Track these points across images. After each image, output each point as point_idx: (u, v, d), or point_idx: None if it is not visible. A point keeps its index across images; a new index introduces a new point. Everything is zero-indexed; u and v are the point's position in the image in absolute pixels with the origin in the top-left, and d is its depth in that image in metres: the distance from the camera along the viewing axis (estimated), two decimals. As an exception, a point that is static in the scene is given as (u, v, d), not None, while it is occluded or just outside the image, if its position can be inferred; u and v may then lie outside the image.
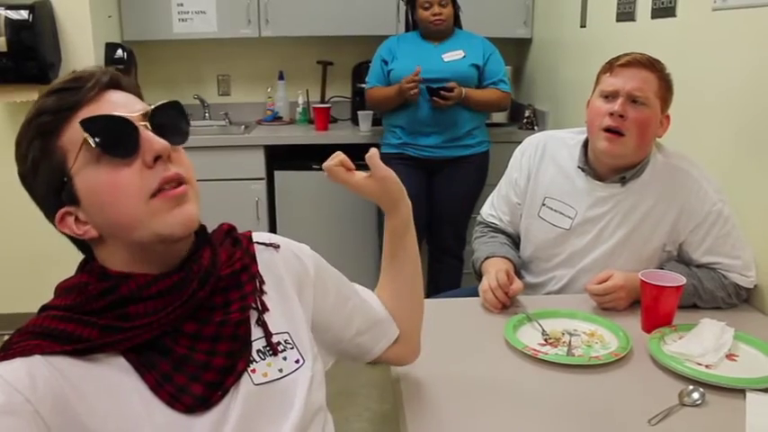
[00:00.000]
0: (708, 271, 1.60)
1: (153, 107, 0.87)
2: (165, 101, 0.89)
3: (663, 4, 2.14)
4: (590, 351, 1.38)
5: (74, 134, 0.83)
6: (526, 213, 1.79)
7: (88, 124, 0.82)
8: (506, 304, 1.58)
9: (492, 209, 1.89)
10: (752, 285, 1.62)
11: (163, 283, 0.85)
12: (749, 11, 1.71)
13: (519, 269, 1.76)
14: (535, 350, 1.36)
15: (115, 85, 0.88)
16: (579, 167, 1.68)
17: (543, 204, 1.74)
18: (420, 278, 1.22)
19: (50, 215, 0.88)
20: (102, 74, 0.87)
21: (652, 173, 1.63)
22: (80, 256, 0.94)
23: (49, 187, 0.85)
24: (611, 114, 1.54)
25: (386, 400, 2.62)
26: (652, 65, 1.56)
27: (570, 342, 1.41)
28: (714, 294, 1.57)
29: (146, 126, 0.85)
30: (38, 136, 0.84)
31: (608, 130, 1.56)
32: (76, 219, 0.86)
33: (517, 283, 1.59)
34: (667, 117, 1.61)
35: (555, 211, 1.72)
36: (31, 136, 0.85)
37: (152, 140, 0.84)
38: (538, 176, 1.76)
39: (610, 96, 1.57)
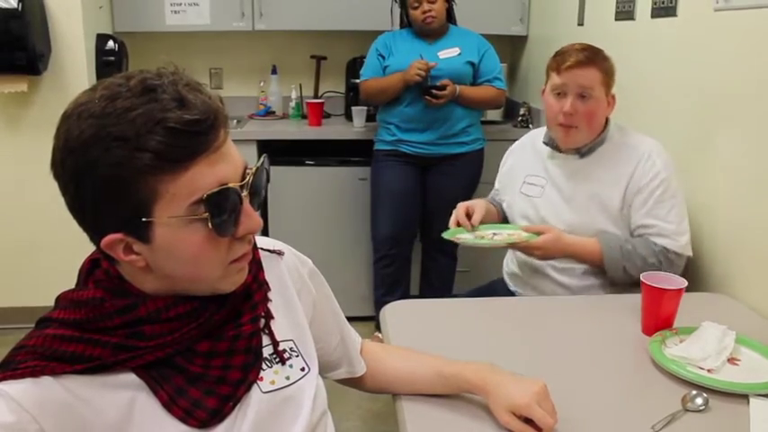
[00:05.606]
0: (639, 239, 1.75)
1: (253, 172, 0.82)
2: (262, 161, 0.85)
3: (663, 3, 2.12)
4: (509, 239, 1.76)
5: (180, 188, 0.75)
6: (509, 192, 2.01)
7: (209, 202, 0.76)
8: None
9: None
10: (682, 251, 1.73)
11: (183, 307, 0.83)
12: (751, 12, 1.69)
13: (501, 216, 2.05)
14: (458, 238, 1.78)
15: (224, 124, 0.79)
16: (544, 142, 1.91)
17: (524, 182, 1.96)
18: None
19: (94, 229, 0.78)
20: (221, 115, 0.77)
21: (606, 148, 1.83)
22: (68, 249, 0.90)
23: (116, 213, 0.76)
24: (564, 112, 1.75)
25: (377, 398, 2.59)
26: (592, 60, 1.74)
27: (492, 237, 1.77)
28: (646, 261, 1.70)
29: (246, 197, 0.81)
30: (127, 164, 0.72)
31: (562, 125, 1.78)
32: (127, 246, 0.79)
33: (477, 214, 1.84)
34: (613, 97, 1.80)
35: (531, 184, 1.94)
36: (117, 156, 0.71)
37: (250, 219, 0.81)
38: (521, 160, 2.01)
39: (561, 93, 1.77)
